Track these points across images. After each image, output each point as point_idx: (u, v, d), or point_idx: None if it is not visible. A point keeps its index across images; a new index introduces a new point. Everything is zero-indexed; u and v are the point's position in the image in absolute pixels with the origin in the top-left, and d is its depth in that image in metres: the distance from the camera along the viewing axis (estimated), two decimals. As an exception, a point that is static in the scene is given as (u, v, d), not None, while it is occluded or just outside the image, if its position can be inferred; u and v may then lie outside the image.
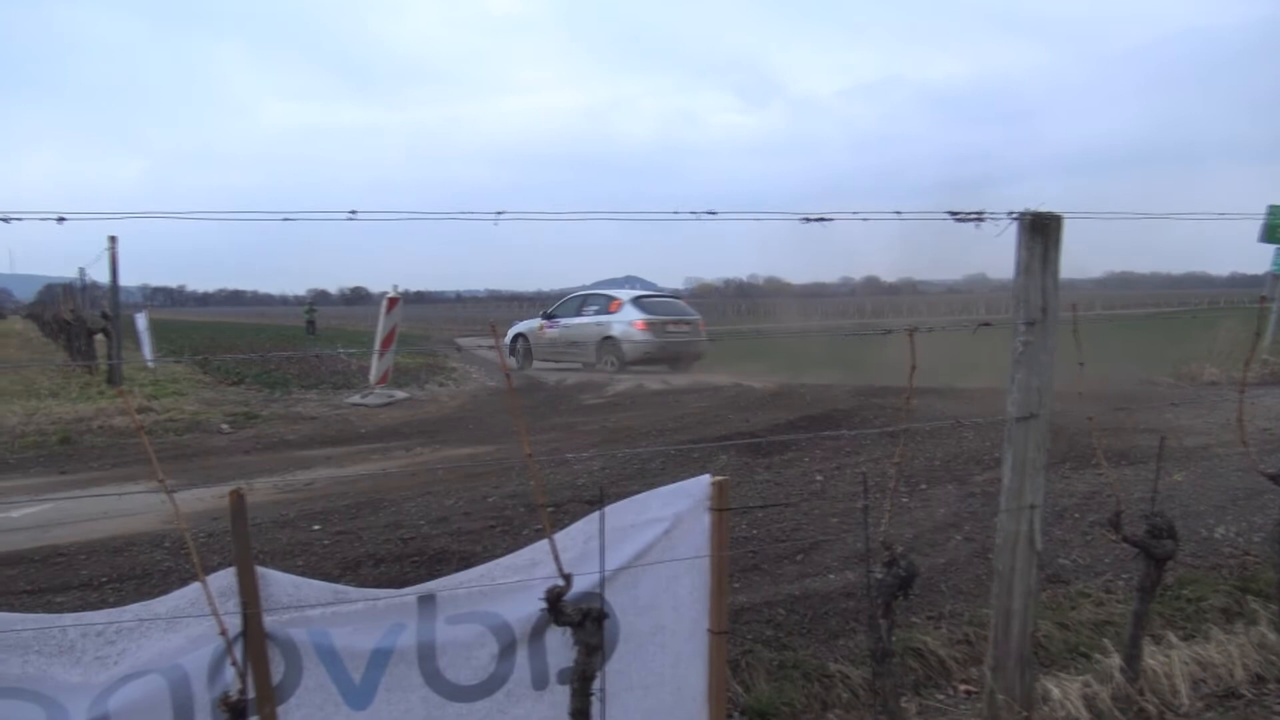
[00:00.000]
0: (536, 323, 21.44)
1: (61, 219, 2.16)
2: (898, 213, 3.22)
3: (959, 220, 3.20)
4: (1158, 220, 4.04)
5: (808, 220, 3.32)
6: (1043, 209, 3.40)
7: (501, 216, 2.78)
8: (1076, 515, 6.52)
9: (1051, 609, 4.82)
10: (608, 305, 19.90)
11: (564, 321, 20.69)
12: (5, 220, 2.07)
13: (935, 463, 8.29)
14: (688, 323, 19.72)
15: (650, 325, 18.87)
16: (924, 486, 7.45)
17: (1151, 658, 4.00)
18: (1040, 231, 3.39)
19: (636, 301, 19.78)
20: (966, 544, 5.93)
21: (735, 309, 74.00)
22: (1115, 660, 3.91)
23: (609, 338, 19.51)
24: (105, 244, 17.45)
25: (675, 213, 3.26)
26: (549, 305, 22.29)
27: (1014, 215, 3.34)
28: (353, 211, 2.61)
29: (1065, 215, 3.42)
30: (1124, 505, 3.80)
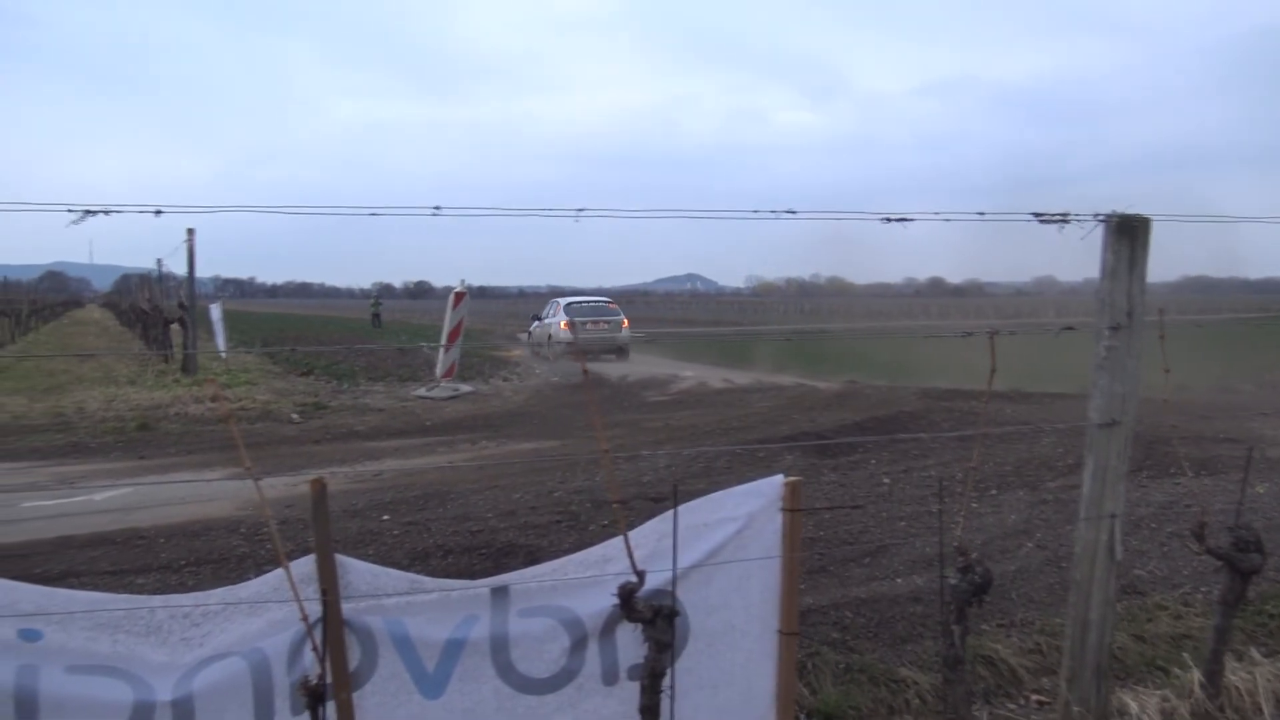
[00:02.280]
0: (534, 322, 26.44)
1: (159, 212, 2.22)
2: (980, 214, 3.17)
3: (1043, 222, 3.14)
4: (1236, 223, 3.92)
5: (889, 220, 3.28)
6: (1130, 210, 3.31)
7: (583, 213, 2.78)
8: (1153, 525, 6.35)
9: (1128, 620, 4.71)
10: (554, 309, 24.85)
11: (539, 321, 25.71)
12: (106, 213, 2.14)
13: (1006, 468, 8.15)
14: (608, 322, 24.10)
15: (571, 325, 22.60)
16: (994, 492, 7.33)
17: (1233, 674, 3.88)
18: (1127, 234, 3.31)
19: (567, 306, 24.40)
20: (1038, 551, 5.82)
21: (797, 308, 73.46)
22: (1195, 675, 3.80)
23: (549, 334, 24.18)
24: (182, 236, 17.98)
25: (755, 211, 3.23)
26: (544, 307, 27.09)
27: (1100, 217, 3.26)
28: (437, 207, 2.64)
29: (1154, 217, 3.34)
30: (1206, 516, 3.70)
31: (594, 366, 20.52)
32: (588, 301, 26.11)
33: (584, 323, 23.37)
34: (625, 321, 24.92)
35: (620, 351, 23.80)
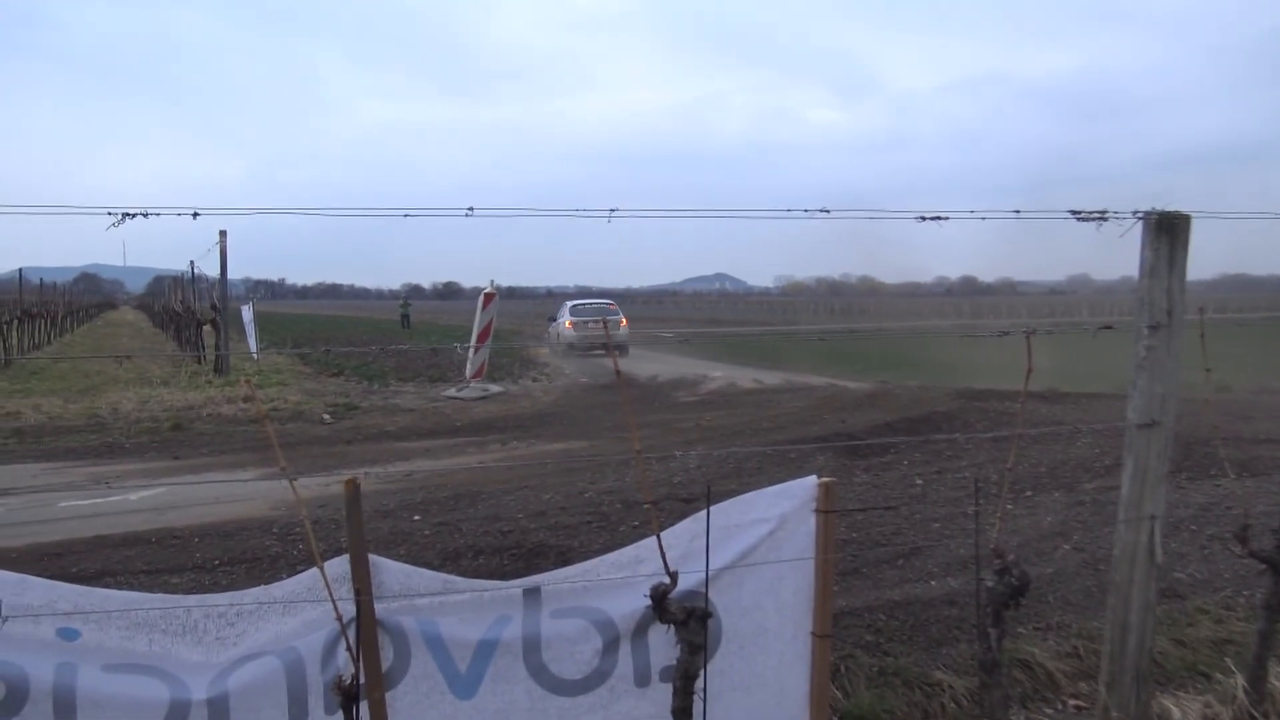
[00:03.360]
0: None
1: (196, 214, 2.25)
2: (1017, 211, 3.13)
3: (1081, 219, 3.10)
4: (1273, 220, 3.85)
5: (924, 219, 3.26)
6: (1169, 207, 3.27)
7: (615, 214, 2.78)
8: (1193, 527, 6.26)
9: (1168, 624, 4.64)
10: (563, 311, 27.88)
11: (554, 322, 28.48)
12: (145, 215, 2.16)
13: (1042, 469, 8.07)
14: (609, 322, 26.28)
15: (575, 324, 25.85)
16: (1030, 493, 7.26)
17: (1278, 679, 3.82)
18: (1167, 231, 3.26)
19: (572, 308, 27.44)
20: (1075, 554, 5.75)
21: (827, 308, 73.12)
22: (1238, 681, 3.74)
23: (558, 333, 27.01)
24: (213, 239, 18.20)
25: (788, 210, 3.22)
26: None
27: (1139, 214, 3.22)
28: (470, 208, 2.65)
29: (1194, 214, 3.29)
30: (1249, 519, 3.64)
31: (606, 362, 21.51)
32: (591, 304, 29.52)
33: (586, 322, 26.18)
34: (624, 321, 27.96)
35: (620, 348, 26.06)
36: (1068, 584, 5.27)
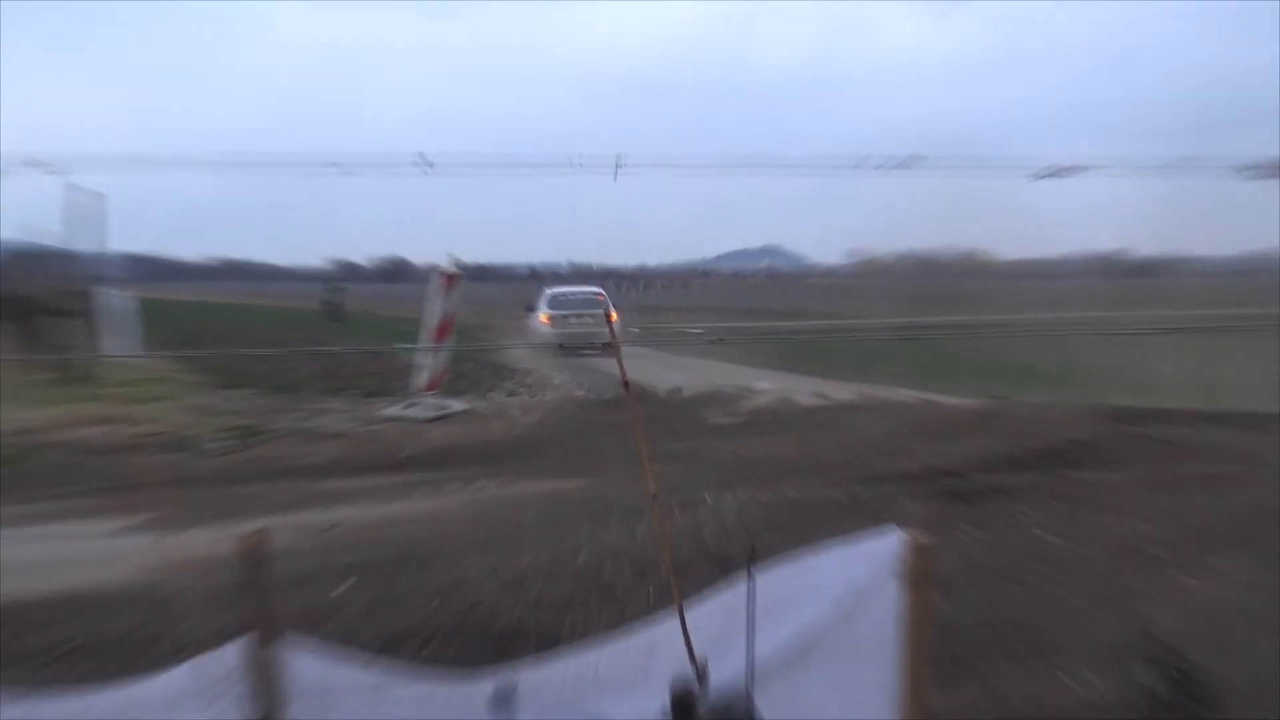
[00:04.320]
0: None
1: (61, 173, 2.24)
2: (1172, 163, 3.13)
3: (1255, 177, 3.08)
4: None
5: (1047, 174, 3.25)
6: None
7: (623, 166, 2.78)
8: None
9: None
10: (540, 299, 29.49)
11: (532, 313, 29.98)
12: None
13: (1222, 522, 8.01)
14: (593, 316, 28.01)
15: (552, 319, 27.57)
16: (1207, 556, 7.20)
17: None
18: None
19: (550, 298, 29.07)
20: (1275, 642, 5.68)
21: (916, 293, 72.68)
22: None
23: (534, 328, 28.74)
24: (77, 199, 18.23)
25: (860, 160, 3.22)
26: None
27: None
28: (423, 158, 2.63)
29: None
30: None
31: (598, 361, 22.58)
32: (573, 293, 31.12)
33: (566, 316, 27.98)
34: (614, 315, 28.67)
35: (607, 347, 26.12)
36: (1267, 689, 5.21)
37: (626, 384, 2.99)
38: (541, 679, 2.93)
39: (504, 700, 2.87)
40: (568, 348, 26.43)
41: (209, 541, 7.70)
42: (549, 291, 30.41)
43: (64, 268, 22.67)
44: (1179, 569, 6.89)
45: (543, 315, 28.37)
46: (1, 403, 15.79)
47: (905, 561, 3.08)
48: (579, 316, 28.03)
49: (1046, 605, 6.25)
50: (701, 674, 2.70)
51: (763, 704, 2.93)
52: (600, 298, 31.06)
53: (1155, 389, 14.23)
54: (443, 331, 16.08)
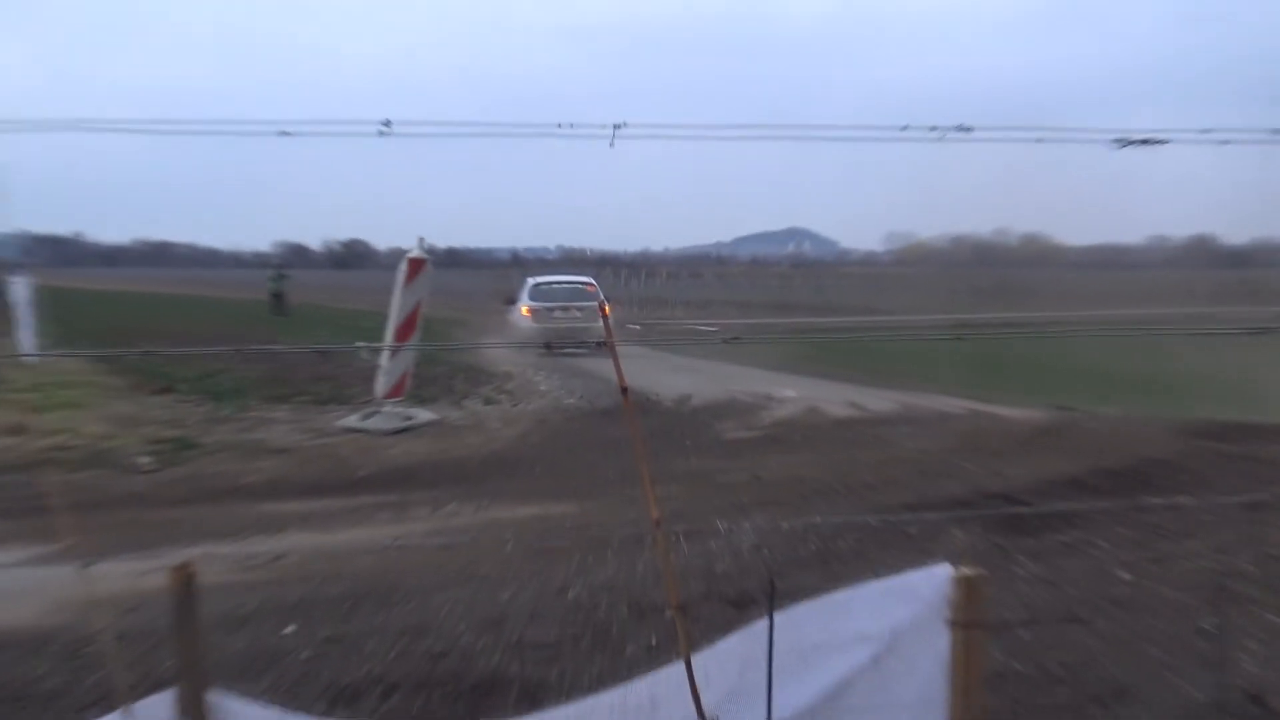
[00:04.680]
0: None
1: None
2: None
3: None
4: None
5: (1125, 143, 3.16)
6: None
7: (621, 132, 2.79)
8: None
9: None
10: (522, 290, 30.91)
11: (513, 305, 31.33)
12: None
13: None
14: (580, 309, 29.15)
15: (535, 312, 28.78)
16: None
17: None
18: None
19: (533, 288, 30.30)
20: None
21: (969, 284, 73.34)
22: None
23: (514, 323, 30.19)
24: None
25: (903, 128, 3.16)
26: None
27: None
28: (385, 123, 2.73)
29: None
30: None
31: (591, 364, 22.79)
32: (559, 282, 32.11)
33: (550, 309, 29.00)
34: (606, 308, 29.72)
35: (601, 346, 27.31)
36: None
37: (625, 390, 3.03)
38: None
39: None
40: (554, 347, 26.71)
41: (132, 574, 7.64)
42: (531, 281, 31.11)
43: None
44: (1272, 610, 6.86)
45: (524, 308, 29.28)
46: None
47: (954, 602, 3.08)
48: (565, 309, 28.94)
49: (1117, 652, 6.24)
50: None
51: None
52: (590, 288, 31.82)
53: (1250, 400, 14.27)
54: (407, 329, 16.15)
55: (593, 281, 33.75)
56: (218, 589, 7.51)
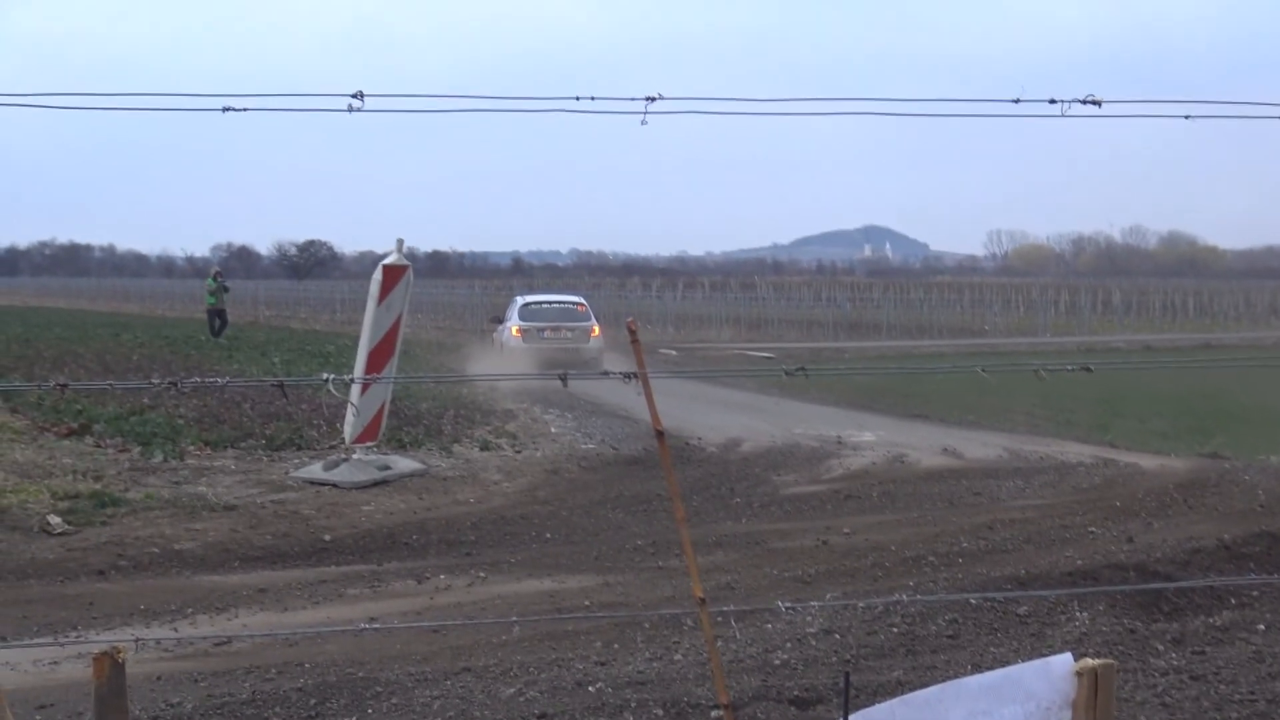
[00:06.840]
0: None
1: None
2: None
3: None
4: None
5: None
6: None
7: (655, 105, 2.81)
8: None
9: None
10: (510, 309, 36.67)
11: (501, 325, 36.67)
12: None
13: None
14: (571, 330, 34.71)
15: (524, 332, 33.98)
16: None
17: None
18: None
19: (522, 308, 35.76)
20: None
21: (1096, 297, 72.78)
22: None
23: (502, 343, 35.58)
24: None
25: (1017, 100, 3.24)
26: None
27: None
28: (356, 94, 2.65)
29: None
30: None
31: (615, 399, 23.49)
32: (549, 302, 38.25)
33: (540, 330, 33.99)
34: (595, 329, 36.04)
35: (585, 364, 32.65)
36: None
37: (661, 433, 3.02)
38: None
39: None
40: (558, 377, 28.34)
41: (43, 663, 7.73)
42: (520, 300, 37.30)
43: None
44: None
45: (514, 328, 34.36)
46: None
47: (1076, 702, 3.06)
48: (555, 330, 34.27)
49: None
50: None
51: None
52: (580, 308, 37.61)
53: None
54: (384, 353, 15.95)
55: (583, 301, 39.37)
56: (147, 680, 7.53)
